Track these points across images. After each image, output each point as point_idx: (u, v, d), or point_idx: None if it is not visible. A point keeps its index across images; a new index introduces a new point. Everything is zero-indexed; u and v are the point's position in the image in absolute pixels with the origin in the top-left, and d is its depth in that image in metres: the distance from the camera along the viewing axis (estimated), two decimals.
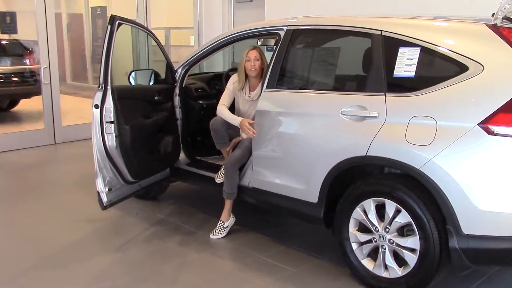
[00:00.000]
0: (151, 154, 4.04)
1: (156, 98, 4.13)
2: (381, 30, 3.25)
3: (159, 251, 3.86)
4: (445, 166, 2.85)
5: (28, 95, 8.86)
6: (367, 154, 3.16)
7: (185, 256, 3.76)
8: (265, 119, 3.75)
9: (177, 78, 4.49)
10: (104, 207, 3.68)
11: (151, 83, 4.32)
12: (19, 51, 9.11)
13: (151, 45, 7.98)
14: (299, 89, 3.69)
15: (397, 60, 3.14)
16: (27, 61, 8.88)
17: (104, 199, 3.66)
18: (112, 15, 3.45)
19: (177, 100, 4.53)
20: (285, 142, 3.65)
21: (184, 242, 4.02)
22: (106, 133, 3.57)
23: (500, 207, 2.77)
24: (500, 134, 2.73)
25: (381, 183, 3.19)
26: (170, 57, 4.48)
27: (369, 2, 5.98)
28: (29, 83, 8.71)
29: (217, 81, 4.99)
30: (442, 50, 3.00)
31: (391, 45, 3.19)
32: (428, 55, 3.07)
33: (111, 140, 3.60)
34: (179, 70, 4.51)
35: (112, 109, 3.56)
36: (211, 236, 4.09)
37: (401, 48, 3.14)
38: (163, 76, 4.46)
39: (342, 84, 3.61)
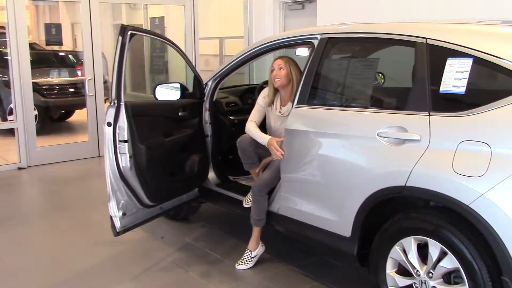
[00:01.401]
0: (172, 175, 3.71)
1: (180, 114, 3.81)
2: (426, 38, 2.76)
3: (178, 282, 3.51)
4: (501, 203, 2.31)
5: (81, 106, 8.89)
6: (407, 185, 2.67)
7: None
8: (294, 139, 3.33)
9: (207, 92, 4.16)
10: (117, 233, 3.39)
11: (178, 97, 4.00)
12: (72, 62, 9.18)
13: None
14: (332, 106, 3.23)
15: (445, 73, 2.63)
16: (79, 72, 8.92)
17: (117, 224, 3.37)
18: (122, 25, 3.17)
19: (207, 116, 4.19)
20: (315, 166, 3.21)
21: (207, 273, 3.66)
22: (119, 153, 3.29)
23: None
24: None
25: (423, 218, 2.68)
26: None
27: (434, 10, 5.38)
28: (82, 94, 8.74)
29: (251, 95, 4.61)
30: (500, 61, 2.46)
31: (438, 55, 2.69)
32: (483, 67, 2.55)
33: (125, 161, 3.30)
34: (209, 83, 4.17)
35: (125, 127, 3.26)
36: (237, 267, 3.71)
37: (450, 58, 2.64)
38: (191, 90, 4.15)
39: (380, 101, 3.12)
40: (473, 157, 2.44)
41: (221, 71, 4.10)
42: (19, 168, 6.60)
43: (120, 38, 3.13)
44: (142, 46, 13.95)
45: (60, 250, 4.08)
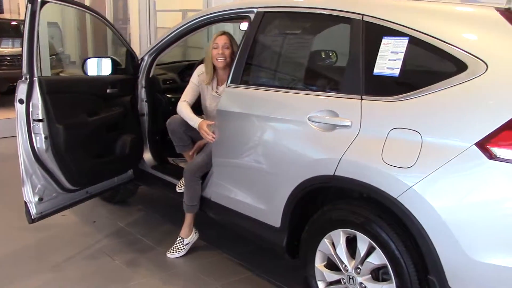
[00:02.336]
0: (98, 156, 3.43)
1: (108, 91, 3.51)
2: (362, 14, 2.52)
3: (101, 271, 3.27)
4: (429, 198, 2.13)
5: None
6: (335, 174, 2.46)
7: (128, 281, 3.16)
8: (226, 121, 3.09)
9: (142, 67, 3.87)
10: (32, 221, 3.11)
11: (109, 73, 3.70)
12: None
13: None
14: (265, 86, 2.99)
15: (379, 53, 2.41)
16: None
17: (33, 211, 3.10)
18: None
19: (143, 93, 3.91)
20: (245, 151, 2.98)
21: (135, 261, 3.43)
22: (34, 133, 2.99)
23: (502, 259, 2.03)
24: (503, 159, 1.98)
25: (352, 210, 2.48)
26: None
27: None
28: None
29: (190, 71, 4.32)
30: (434, 41, 2.25)
31: (374, 34, 2.46)
32: (418, 48, 2.33)
33: (40, 142, 3.01)
34: (145, 58, 3.88)
35: (40, 105, 2.96)
36: (168, 255, 3.49)
37: (385, 37, 2.41)
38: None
39: (312, 82, 2.88)
40: (403, 147, 2.24)
41: (158, 45, 3.81)
42: None
43: (29, 6, 2.81)
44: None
45: None
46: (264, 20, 3.00)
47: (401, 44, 2.35)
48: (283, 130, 2.77)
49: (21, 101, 2.94)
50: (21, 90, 2.94)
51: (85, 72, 3.66)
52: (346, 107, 2.48)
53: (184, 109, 3.38)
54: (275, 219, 2.82)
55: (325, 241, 2.60)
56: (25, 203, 3.09)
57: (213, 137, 3.11)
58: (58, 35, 9.40)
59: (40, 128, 2.99)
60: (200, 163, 3.34)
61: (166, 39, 3.74)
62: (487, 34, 2.17)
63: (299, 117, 2.65)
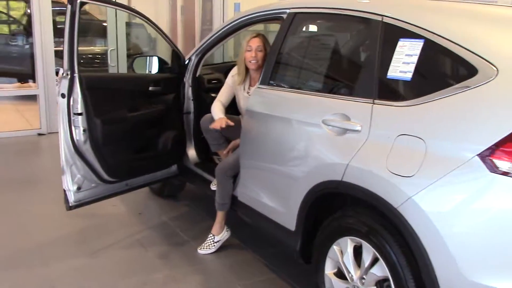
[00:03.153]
0: (138, 151, 3.59)
1: (150, 88, 3.66)
2: (382, 16, 2.42)
3: (132, 261, 3.42)
4: (428, 209, 2.00)
5: None
6: (343, 180, 2.39)
7: (154, 272, 3.27)
8: (252, 122, 3.10)
9: (189, 67, 3.98)
10: (70, 208, 3.32)
11: (156, 71, 3.86)
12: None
13: None
14: (288, 87, 2.96)
15: (394, 56, 2.31)
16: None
17: (71, 198, 3.30)
18: None
19: (189, 92, 4.02)
20: (267, 152, 2.98)
21: (166, 254, 3.54)
22: (74, 126, 3.19)
23: (500, 283, 1.86)
24: (507, 172, 1.82)
25: (359, 218, 2.40)
26: None
27: None
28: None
29: None
30: (447, 43, 2.11)
31: (392, 36, 2.36)
32: (431, 51, 2.20)
33: (79, 134, 3.21)
34: (193, 58, 3.99)
35: (79, 99, 3.16)
36: (198, 251, 3.56)
37: (401, 39, 2.31)
38: None
39: (330, 84, 2.81)
40: (407, 154, 2.13)
41: (203, 46, 3.90)
42: (39, 134, 6.75)
43: (69, 6, 3.00)
44: (194, 18, 13.91)
45: (37, 218, 4.10)
46: (295, 21, 2.97)
47: (416, 47, 2.24)
48: (300, 132, 2.73)
49: (63, 96, 3.15)
50: (63, 85, 3.14)
51: (133, 70, 3.85)
52: (358, 110, 2.40)
53: (215, 107, 3.44)
54: (290, 222, 2.79)
55: (335, 248, 2.53)
56: (64, 191, 3.30)
57: (220, 126, 3.22)
58: (144, 36, 9.83)
59: (79, 121, 3.19)
60: (231, 162, 3.37)
61: (210, 40, 3.82)
62: (502, 36, 2.01)
63: (314, 120, 2.60)
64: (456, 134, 1.99)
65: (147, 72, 3.85)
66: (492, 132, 1.87)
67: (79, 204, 3.37)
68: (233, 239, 3.66)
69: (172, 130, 3.84)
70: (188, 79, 4.00)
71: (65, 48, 3.07)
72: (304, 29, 3.02)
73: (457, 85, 2.03)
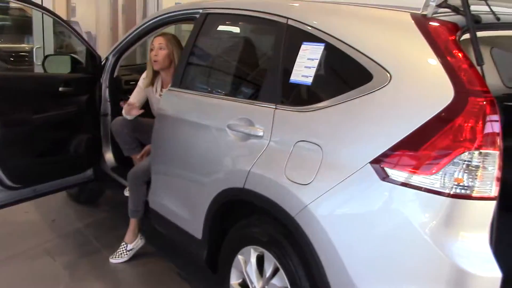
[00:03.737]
0: (44, 155, 3.38)
1: (61, 89, 3.46)
2: (287, 18, 2.36)
3: (37, 273, 3.21)
4: (322, 219, 1.95)
5: None
6: (245, 187, 2.31)
7: (58, 283, 3.09)
8: (162, 125, 2.97)
9: (106, 67, 3.81)
10: None
11: (68, 71, 3.66)
12: None
13: None
14: (198, 90, 2.86)
15: (297, 59, 2.25)
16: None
17: None
18: None
19: (107, 93, 3.85)
20: (176, 156, 2.86)
21: (76, 263, 3.37)
22: None
23: None
24: (397, 181, 1.78)
25: (262, 227, 2.32)
26: None
27: None
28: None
29: None
30: (346, 48, 2.06)
31: (296, 39, 2.29)
32: (331, 55, 2.15)
33: None
34: (110, 58, 3.82)
35: None
36: (110, 260, 3.40)
37: (304, 43, 2.25)
38: None
39: (237, 88, 2.74)
40: (304, 161, 2.06)
41: (119, 46, 3.74)
42: None
43: None
44: (135, 17, 13.60)
45: None
46: (206, 21, 2.87)
47: (317, 51, 2.18)
48: (206, 137, 2.62)
49: None
50: None
51: (44, 69, 3.65)
52: (261, 115, 2.32)
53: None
54: (197, 230, 2.68)
55: (239, 257, 2.44)
56: None
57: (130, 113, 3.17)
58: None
59: None
60: (144, 167, 3.23)
61: (126, 40, 3.68)
62: (397, 42, 1.97)
63: (220, 124, 2.51)
64: (351, 141, 1.95)
65: (58, 72, 3.64)
66: (383, 140, 1.83)
67: None
68: (148, 247, 3.52)
69: (85, 133, 3.65)
70: (105, 80, 3.83)
71: None
72: (214, 30, 2.92)
73: (352, 91, 1.98)
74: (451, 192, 1.69)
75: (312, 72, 2.17)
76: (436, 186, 1.70)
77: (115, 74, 3.87)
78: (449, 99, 1.72)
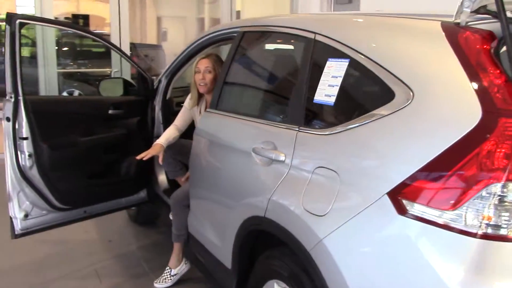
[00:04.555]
0: (92, 177, 3.42)
1: (110, 112, 3.50)
2: (315, 33, 2.18)
3: None
4: (336, 255, 1.73)
5: None
6: (265, 216, 2.14)
7: None
8: (198, 147, 2.88)
9: (160, 90, 3.82)
10: (15, 236, 3.17)
11: (120, 93, 3.71)
12: None
13: None
14: (231, 112, 2.73)
15: (322, 77, 2.06)
16: None
17: (17, 226, 3.15)
18: (8, 13, 2.90)
19: (160, 115, 3.85)
20: (207, 180, 2.76)
21: (121, 285, 3.35)
22: (19, 151, 3.06)
23: None
24: (414, 215, 1.53)
25: (283, 259, 2.13)
26: None
27: None
28: None
29: None
30: (368, 63, 1.85)
31: (322, 56, 2.11)
32: (355, 72, 1.94)
33: (24, 160, 3.07)
34: (162, 80, 3.82)
35: (24, 123, 3.03)
36: (155, 284, 3.34)
37: (330, 59, 2.06)
38: None
39: (265, 109, 2.57)
40: (321, 190, 1.86)
41: (171, 67, 3.73)
42: None
43: (8, 27, 2.89)
44: None
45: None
46: (243, 40, 2.76)
47: (341, 68, 1.98)
48: (234, 161, 2.49)
49: (8, 119, 3.03)
50: (7, 108, 3.02)
51: (99, 93, 3.73)
52: (284, 139, 2.15)
53: (165, 132, 3.24)
54: (227, 259, 2.54)
55: None
56: (10, 218, 3.16)
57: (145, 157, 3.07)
58: (161, 57, 9.83)
59: (24, 146, 3.05)
60: (186, 190, 3.16)
61: (177, 61, 3.65)
62: (422, 55, 1.72)
63: (246, 147, 2.36)
64: (367, 168, 1.72)
65: (112, 95, 3.70)
66: (402, 168, 1.59)
67: (27, 232, 3.22)
68: (194, 271, 3.42)
69: (136, 155, 3.65)
70: (158, 102, 3.84)
71: (7, 70, 2.95)
72: (249, 49, 2.79)
73: (374, 112, 1.76)
74: (480, 232, 1.41)
75: (335, 91, 1.97)
76: (461, 224, 1.44)
77: (168, 96, 3.86)
78: (476, 121, 1.45)
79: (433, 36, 1.70)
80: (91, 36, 3.60)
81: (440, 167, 1.49)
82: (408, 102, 1.64)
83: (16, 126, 3.05)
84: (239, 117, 2.58)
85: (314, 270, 1.82)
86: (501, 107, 1.43)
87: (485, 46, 1.57)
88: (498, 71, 1.50)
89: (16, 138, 3.06)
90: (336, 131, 1.88)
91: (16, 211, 3.14)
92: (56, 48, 6.76)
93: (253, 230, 2.30)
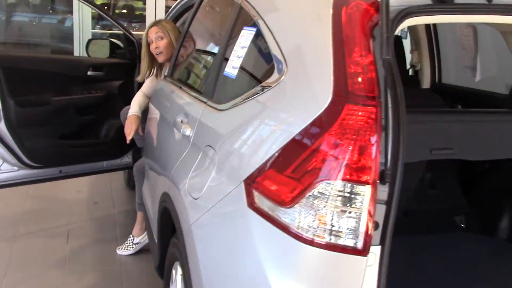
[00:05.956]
0: (65, 137, 3.39)
1: (89, 73, 3.44)
2: None
3: (41, 252, 3.24)
4: (198, 244, 1.58)
5: None
6: (168, 192, 2.00)
7: (53, 268, 3.07)
8: (150, 115, 2.78)
9: None
10: None
11: (107, 55, 3.65)
12: None
13: None
14: (175, 80, 2.56)
15: (234, 47, 1.87)
16: None
17: None
18: None
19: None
20: (150, 149, 2.67)
21: (83, 249, 3.34)
22: None
23: None
24: (260, 210, 1.34)
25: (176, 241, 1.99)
26: None
27: None
28: None
29: None
30: (266, 33, 1.63)
31: (242, 23, 1.91)
32: (257, 42, 1.73)
33: None
34: None
35: None
36: (117, 251, 3.31)
37: (244, 28, 1.85)
38: None
39: (195, 80, 2.40)
40: (203, 171, 1.71)
41: None
42: None
43: None
44: None
45: None
46: (196, 5, 2.57)
47: (249, 37, 1.78)
48: (164, 132, 2.36)
49: None
50: None
51: (88, 53, 3.68)
52: (193, 112, 1.99)
53: (134, 99, 3.11)
54: (155, 233, 2.44)
55: (173, 271, 2.14)
56: None
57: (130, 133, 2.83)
58: None
59: None
60: None
61: None
62: (307, 25, 1.49)
63: (170, 119, 2.22)
64: (237, 151, 1.53)
65: (100, 56, 3.65)
66: (260, 154, 1.39)
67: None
68: None
69: (118, 119, 3.60)
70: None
71: None
72: (197, 15, 2.58)
73: (256, 88, 1.55)
74: (307, 236, 1.20)
75: (239, 63, 1.77)
76: (293, 225, 1.23)
77: None
78: (324, 105, 1.22)
79: (323, 5, 1.46)
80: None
81: (287, 157, 1.28)
82: (279, 81, 1.43)
83: None
84: (176, 87, 2.43)
85: (184, 257, 1.67)
86: (352, 90, 1.19)
87: (365, 20, 1.32)
88: (365, 50, 1.25)
89: None
90: (227, 107, 1.69)
91: None
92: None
93: (165, 207, 2.17)
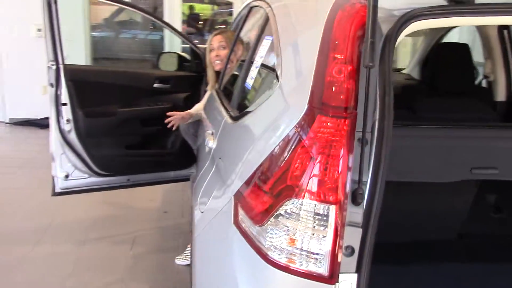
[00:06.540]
0: (130, 147, 3.52)
1: (155, 85, 3.55)
2: (269, 4, 1.91)
3: (106, 258, 3.38)
4: (197, 260, 1.53)
5: None
6: (192, 205, 1.98)
7: (110, 274, 3.18)
8: (202, 126, 2.80)
9: None
10: (54, 193, 3.42)
11: (174, 68, 3.75)
12: None
13: None
14: (219, 90, 2.55)
15: (255, 57, 1.82)
16: None
17: (57, 185, 3.40)
18: None
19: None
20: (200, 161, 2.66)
21: (144, 257, 3.43)
22: (60, 116, 3.28)
23: None
24: (241, 228, 1.26)
25: None
26: None
27: None
28: None
29: None
30: (276, 40, 1.56)
31: (266, 32, 1.85)
32: (270, 52, 1.66)
33: (63, 124, 3.28)
34: None
35: (63, 90, 3.22)
36: (175, 260, 3.36)
37: (266, 37, 1.80)
38: None
39: (231, 91, 2.33)
40: (212, 183, 1.65)
41: None
42: None
43: None
44: None
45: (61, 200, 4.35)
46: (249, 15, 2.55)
47: (266, 46, 1.73)
48: (202, 143, 2.34)
49: (51, 85, 3.26)
50: (51, 75, 3.25)
51: (157, 66, 3.81)
52: (217, 124, 1.96)
53: (197, 104, 3.16)
54: None
55: None
56: (52, 177, 3.42)
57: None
58: None
59: (63, 111, 3.26)
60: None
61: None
62: (305, 29, 1.39)
63: (208, 131, 2.20)
64: (235, 164, 1.47)
65: (170, 69, 3.76)
66: (248, 167, 1.31)
67: (67, 192, 3.44)
68: None
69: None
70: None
71: (48, 39, 3.15)
72: (247, 26, 2.56)
73: (263, 96, 1.48)
74: (275, 258, 1.11)
75: (255, 74, 1.71)
76: (264, 246, 1.14)
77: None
78: (299, 116, 1.13)
79: (323, 10, 1.36)
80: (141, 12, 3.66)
81: (264, 173, 1.20)
82: (274, 90, 1.35)
83: (58, 92, 3.26)
84: (217, 98, 2.42)
85: (190, 272, 1.63)
86: (325, 101, 1.08)
87: (356, 25, 1.20)
88: (348, 58, 1.13)
89: (58, 103, 3.28)
90: (237, 119, 1.64)
91: (57, 171, 3.38)
92: None
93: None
